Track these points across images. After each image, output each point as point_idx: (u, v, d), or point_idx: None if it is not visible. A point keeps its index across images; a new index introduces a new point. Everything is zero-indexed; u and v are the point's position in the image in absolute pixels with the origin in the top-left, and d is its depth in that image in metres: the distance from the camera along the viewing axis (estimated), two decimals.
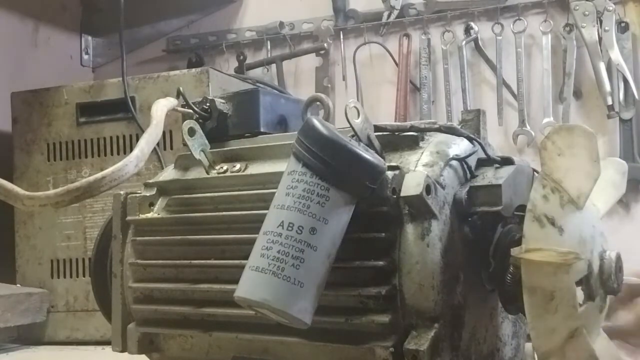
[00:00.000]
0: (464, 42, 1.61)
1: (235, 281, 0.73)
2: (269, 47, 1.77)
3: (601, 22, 1.50)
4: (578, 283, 0.64)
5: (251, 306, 0.64)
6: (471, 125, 0.75)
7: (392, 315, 0.65)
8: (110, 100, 1.35)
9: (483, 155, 0.72)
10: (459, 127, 0.73)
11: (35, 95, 1.40)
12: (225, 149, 0.83)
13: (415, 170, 0.67)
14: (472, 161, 0.71)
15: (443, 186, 0.67)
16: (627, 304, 0.39)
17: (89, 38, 1.91)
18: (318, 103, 0.73)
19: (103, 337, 1.29)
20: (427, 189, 0.64)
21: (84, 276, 1.34)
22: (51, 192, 0.81)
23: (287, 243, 0.62)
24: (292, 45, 1.75)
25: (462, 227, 0.68)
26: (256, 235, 0.70)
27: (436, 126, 0.72)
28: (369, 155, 0.64)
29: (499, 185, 0.68)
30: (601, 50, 1.49)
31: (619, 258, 0.68)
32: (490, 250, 0.69)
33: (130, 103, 1.31)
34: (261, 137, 0.84)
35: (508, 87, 1.58)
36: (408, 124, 0.72)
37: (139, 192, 0.83)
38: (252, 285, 0.63)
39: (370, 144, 0.68)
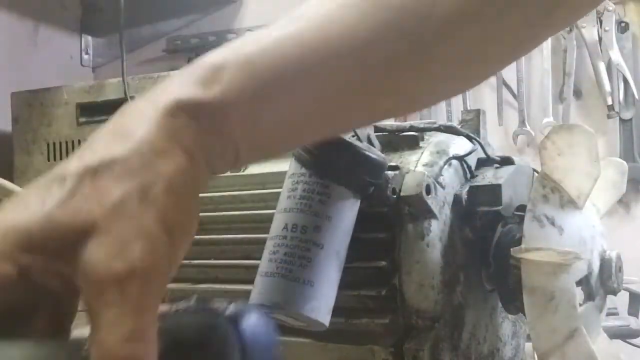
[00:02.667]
0: None
1: (235, 281, 0.73)
2: None
3: (601, 22, 1.50)
4: (578, 283, 0.65)
5: (266, 312, 0.63)
6: (471, 125, 0.75)
7: (392, 315, 0.65)
8: (110, 100, 1.35)
9: (483, 155, 0.72)
10: (458, 127, 0.74)
11: (35, 95, 1.40)
12: None
13: (415, 170, 0.67)
14: (472, 161, 0.71)
15: (443, 186, 0.67)
16: None
17: (89, 38, 1.91)
18: None
19: None
20: (427, 189, 0.64)
21: None
22: None
23: (292, 244, 0.62)
24: None
25: (462, 227, 0.68)
26: (256, 235, 0.70)
27: (436, 126, 0.72)
28: (368, 151, 0.64)
29: (499, 185, 0.68)
30: (601, 50, 1.49)
31: (619, 258, 0.68)
32: (490, 250, 0.69)
33: None
34: None
35: (508, 87, 1.58)
36: (407, 123, 0.72)
37: None
38: (263, 291, 0.63)
39: (370, 144, 0.68)
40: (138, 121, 0.40)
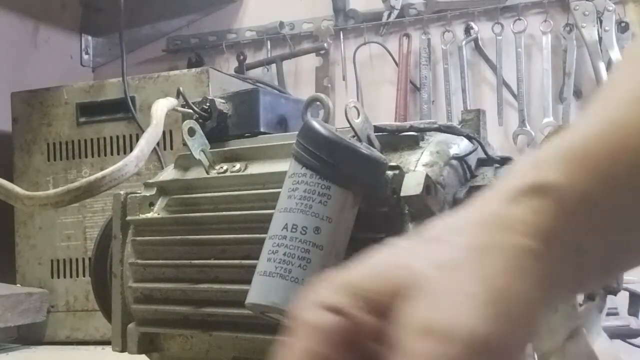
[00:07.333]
0: (464, 42, 1.61)
1: (235, 281, 0.73)
2: (269, 47, 1.77)
3: (601, 22, 1.50)
4: None
5: (263, 312, 0.63)
6: (471, 125, 0.75)
7: None
8: (110, 100, 1.35)
9: (483, 155, 0.72)
10: (458, 127, 0.73)
11: (35, 95, 1.40)
12: (225, 149, 0.83)
13: (415, 170, 0.67)
14: (472, 161, 0.71)
15: (443, 186, 0.67)
16: None
17: (89, 38, 1.91)
18: (318, 103, 0.73)
19: (103, 337, 1.29)
20: (427, 189, 0.64)
21: (84, 276, 1.34)
22: (51, 191, 0.81)
23: (292, 245, 0.62)
24: (292, 45, 1.76)
25: None
26: (256, 235, 0.70)
27: (435, 126, 0.72)
28: (368, 151, 0.64)
29: None
30: (601, 50, 1.49)
31: None
32: None
33: (130, 103, 1.31)
34: (261, 137, 0.84)
35: (508, 87, 1.58)
36: (407, 124, 0.72)
37: (139, 192, 0.84)
38: (261, 290, 0.63)
39: (370, 144, 0.68)
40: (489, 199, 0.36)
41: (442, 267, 0.32)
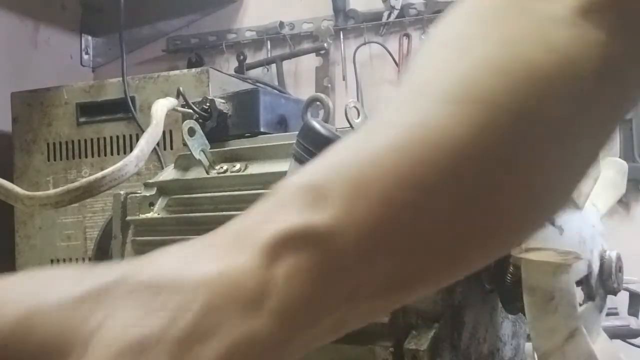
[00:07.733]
0: None
1: None
2: (269, 47, 1.77)
3: None
4: (578, 283, 0.65)
5: None
6: None
7: (392, 315, 0.65)
8: (110, 100, 1.35)
9: None
10: None
11: (35, 95, 1.40)
12: (225, 149, 0.83)
13: None
14: None
15: None
16: None
17: (89, 38, 1.91)
18: (318, 103, 0.73)
19: None
20: None
21: None
22: (51, 191, 0.81)
23: None
24: (292, 45, 1.76)
25: None
26: None
27: None
28: None
29: None
30: None
31: (619, 258, 0.68)
32: None
33: (130, 103, 1.32)
34: (261, 137, 0.84)
35: None
36: None
37: (139, 192, 0.83)
38: None
39: None
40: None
41: (122, 350, 0.24)
